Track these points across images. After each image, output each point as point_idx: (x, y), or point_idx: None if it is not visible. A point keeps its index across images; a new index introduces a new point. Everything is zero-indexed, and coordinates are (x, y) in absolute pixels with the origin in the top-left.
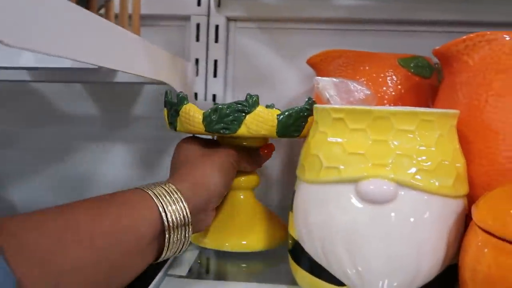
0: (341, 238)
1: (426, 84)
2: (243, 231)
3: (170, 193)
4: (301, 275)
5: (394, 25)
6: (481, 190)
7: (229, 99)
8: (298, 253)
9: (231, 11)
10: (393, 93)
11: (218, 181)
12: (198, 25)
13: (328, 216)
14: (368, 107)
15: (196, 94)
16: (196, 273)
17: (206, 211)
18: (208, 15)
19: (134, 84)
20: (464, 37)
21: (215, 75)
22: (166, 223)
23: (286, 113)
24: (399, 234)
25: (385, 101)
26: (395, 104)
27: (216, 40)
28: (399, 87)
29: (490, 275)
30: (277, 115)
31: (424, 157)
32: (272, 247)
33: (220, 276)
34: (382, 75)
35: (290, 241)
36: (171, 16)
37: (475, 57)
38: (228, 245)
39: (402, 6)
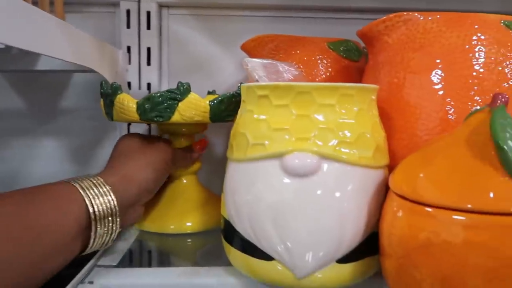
0: (268, 214)
1: (355, 67)
2: (187, 213)
3: (97, 186)
4: (233, 255)
5: (325, 12)
6: None
7: (165, 88)
8: (230, 233)
9: None
10: (324, 76)
11: (150, 177)
12: (128, 12)
13: (255, 193)
14: (290, 83)
15: (129, 83)
16: (128, 261)
17: (134, 206)
18: (139, 1)
19: (60, 72)
20: (384, 17)
21: (148, 63)
22: (92, 215)
23: (219, 99)
24: (322, 206)
25: None
26: None
27: (148, 27)
28: (330, 69)
29: (403, 237)
30: (209, 101)
31: (345, 130)
32: (216, 226)
33: (155, 263)
34: (313, 58)
35: (222, 222)
36: (99, 1)
37: (393, 36)
38: (173, 228)
39: None
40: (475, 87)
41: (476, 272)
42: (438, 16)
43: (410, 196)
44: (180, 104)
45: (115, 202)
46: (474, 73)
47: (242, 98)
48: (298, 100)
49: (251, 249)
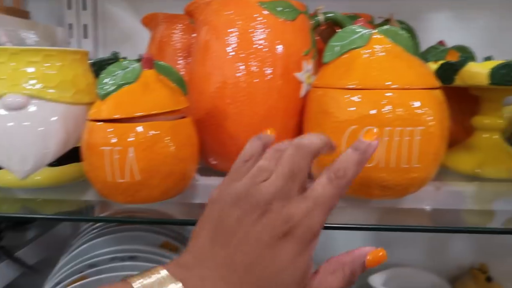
0: None
1: None
2: None
3: None
4: None
5: None
6: None
7: (101, 55)
8: None
9: None
10: (180, 45)
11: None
12: None
13: None
14: (5, 47)
15: None
16: None
17: None
18: None
19: None
20: (193, 0)
21: (85, 37)
22: None
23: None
24: (30, 130)
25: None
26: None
27: (85, 8)
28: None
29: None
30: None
31: (48, 78)
32: None
33: None
34: (178, 31)
35: None
36: None
37: (200, 13)
38: None
39: None
40: (239, 52)
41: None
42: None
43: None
44: None
45: None
46: (236, 44)
47: None
48: (12, 58)
49: None
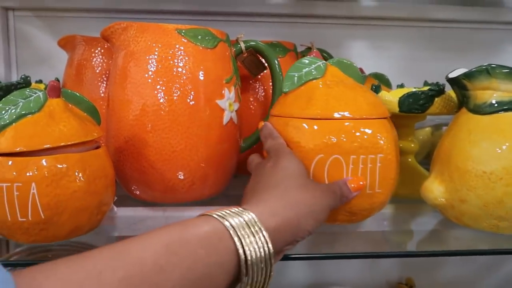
0: None
1: None
2: None
3: (254, 234)
4: None
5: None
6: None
7: (15, 78)
8: None
9: (7, 1)
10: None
11: (309, 228)
12: None
13: None
14: None
15: None
16: None
17: (282, 252)
18: None
19: None
20: (109, 25)
21: None
22: (244, 270)
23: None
24: None
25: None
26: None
27: None
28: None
29: None
30: None
31: None
32: None
33: None
34: (98, 54)
35: None
36: None
37: (117, 38)
38: None
39: None
40: (158, 79)
41: None
42: (135, 25)
43: None
44: None
45: (271, 251)
46: (155, 71)
47: None
48: None
49: None
